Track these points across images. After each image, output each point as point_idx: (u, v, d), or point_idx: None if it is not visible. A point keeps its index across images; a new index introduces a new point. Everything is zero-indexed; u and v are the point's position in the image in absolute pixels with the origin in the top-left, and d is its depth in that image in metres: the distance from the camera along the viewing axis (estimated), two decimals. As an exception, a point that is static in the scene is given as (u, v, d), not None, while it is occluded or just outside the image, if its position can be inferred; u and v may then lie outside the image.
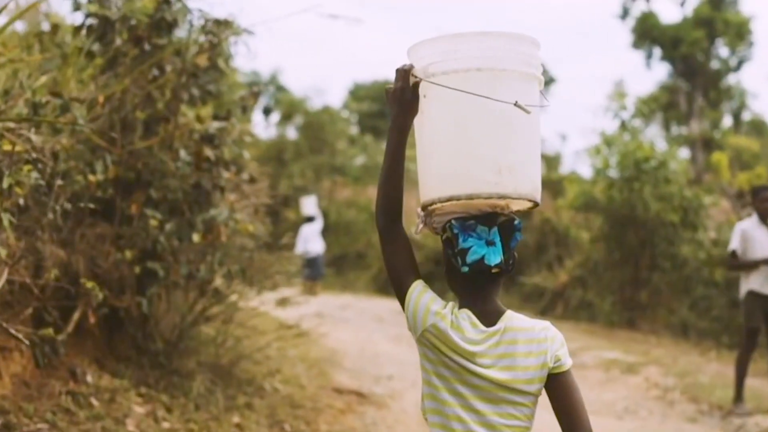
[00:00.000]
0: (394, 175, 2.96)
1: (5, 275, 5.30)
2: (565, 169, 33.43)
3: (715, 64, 39.81)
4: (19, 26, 11.78)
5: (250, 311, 9.25)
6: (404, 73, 2.95)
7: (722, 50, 39.81)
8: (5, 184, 4.92)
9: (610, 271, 17.89)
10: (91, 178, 6.61)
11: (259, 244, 8.82)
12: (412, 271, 2.98)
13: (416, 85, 2.94)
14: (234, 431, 7.15)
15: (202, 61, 7.36)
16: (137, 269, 7.13)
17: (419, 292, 2.93)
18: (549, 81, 47.85)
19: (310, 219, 21.47)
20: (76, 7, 7.32)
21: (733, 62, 39.93)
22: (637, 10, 39.89)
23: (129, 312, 7.29)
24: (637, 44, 39.66)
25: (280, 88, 44.80)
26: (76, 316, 6.57)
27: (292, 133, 34.78)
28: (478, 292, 2.95)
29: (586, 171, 39.31)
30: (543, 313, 18.33)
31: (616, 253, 17.65)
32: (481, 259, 2.87)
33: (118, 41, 7.17)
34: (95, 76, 7.18)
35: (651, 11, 39.57)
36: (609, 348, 14.03)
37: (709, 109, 40.36)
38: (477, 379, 2.86)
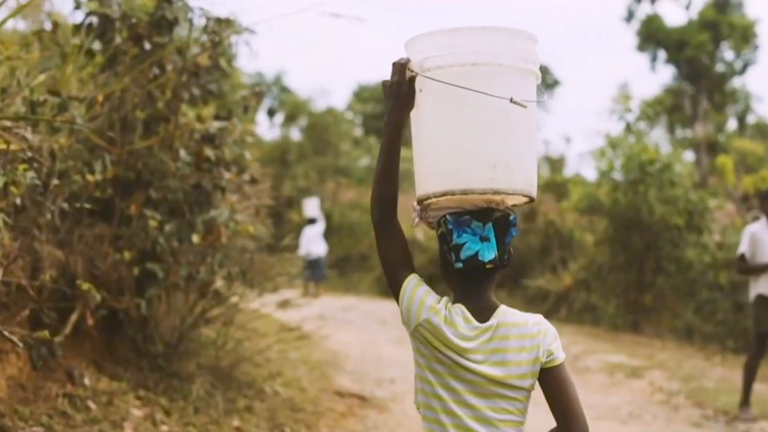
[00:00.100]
0: (389, 170, 2.95)
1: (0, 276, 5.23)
2: (569, 171, 33.37)
3: (720, 67, 39.78)
4: (22, 26, 11.79)
5: (251, 313, 9.18)
6: (400, 68, 2.94)
7: (727, 53, 39.80)
8: (0, 184, 4.85)
9: (614, 274, 17.82)
10: (90, 178, 6.54)
11: (261, 246, 8.74)
12: (407, 265, 2.98)
13: (412, 79, 2.93)
14: (233, 435, 7.09)
15: (203, 60, 7.30)
16: (136, 270, 7.05)
17: (414, 285, 2.93)
18: (553, 83, 48.08)
19: (312, 221, 21.42)
20: (77, 5, 7.26)
21: (738, 65, 39.90)
22: (642, 12, 39.85)
23: (128, 314, 7.22)
24: (641, 47, 39.64)
25: (285, 89, 44.73)
26: (73, 317, 6.50)
27: (296, 134, 34.74)
28: (472, 287, 2.94)
29: (590, 173, 39.26)
30: (546, 316, 18.01)
31: (621, 256, 17.58)
32: (475, 255, 2.86)
33: (118, 39, 7.09)
34: (95, 74, 7.10)
35: (656, 14, 39.53)
36: (613, 352, 13.95)
37: (713, 112, 40.34)
38: (469, 375, 2.86)
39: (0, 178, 4.83)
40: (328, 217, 26.75)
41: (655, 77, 64.96)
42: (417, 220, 3.07)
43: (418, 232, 21.88)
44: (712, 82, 39.31)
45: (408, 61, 2.94)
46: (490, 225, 2.89)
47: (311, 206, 21.89)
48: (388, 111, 2.97)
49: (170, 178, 7.27)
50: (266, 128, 43.40)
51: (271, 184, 10.29)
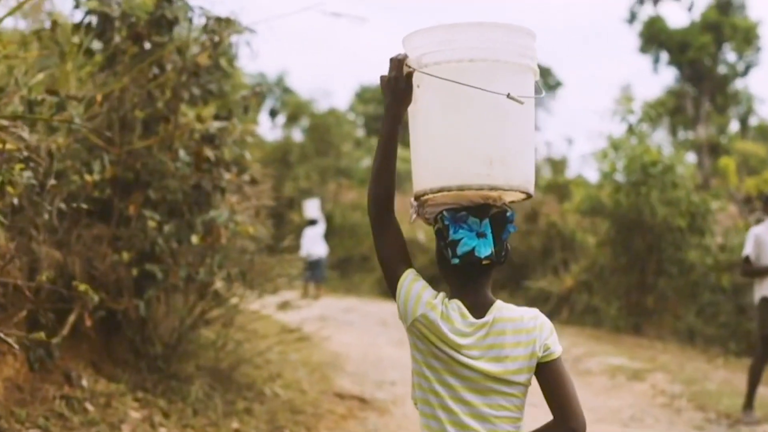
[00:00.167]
0: (386, 165, 2.96)
1: (-4, 277, 5.19)
2: (571, 172, 33.35)
3: (722, 69, 39.81)
4: (23, 26, 11.74)
5: (252, 314, 9.13)
6: (398, 63, 2.94)
7: (730, 55, 39.85)
8: (-4, 183, 4.81)
9: (616, 276, 17.77)
10: (88, 178, 6.49)
11: (261, 247, 8.69)
12: (404, 260, 2.97)
13: (410, 75, 2.93)
14: (233, 437, 7.04)
15: (203, 59, 7.25)
16: (135, 271, 7.02)
17: (411, 280, 2.92)
18: (555, 85, 48.10)
19: (312, 222, 21.40)
20: (77, 4, 7.22)
21: (740, 67, 39.94)
22: (645, 14, 39.84)
23: (127, 315, 7.17)
24: (644, 48, 39.65)
25: (287, 90, 44.73)
26: (71, 318, 6.45)
27: (297, 135, 34.71)
28: (469, 283, 2.93)
29: (592, 175, 39.23)
30: (548, 317, 18.01)
31: (623, 258, 17.52)
32: (472, 251, 2.86)
33: (117, 39, 7.04)
34: (94, 74, 7.06)
35: (658, 15, 39.51)
36: (615, 354, 13.90)
37: (716, 114, 40.35)
38: (466, 371, 2.85)
39: (-4, 177, 4.79)
40: (330, 219, 26.72)
41: (657, 79, 65.04)
42: (414, 216, 3.07)
43: (420, 233, 21.87)
44: (715, 83, 39.32)
45: (406, 56, 2.94)
46: (486, 221, 2.88)
47: (312, 207, 21.88)
48: (385, 106, 2.96)
49: (169, 179, 7.23)
50: (268, 129, 43.43)
51: (273, 184, 10.26)
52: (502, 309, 2.92)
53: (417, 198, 3.00)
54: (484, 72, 2.83)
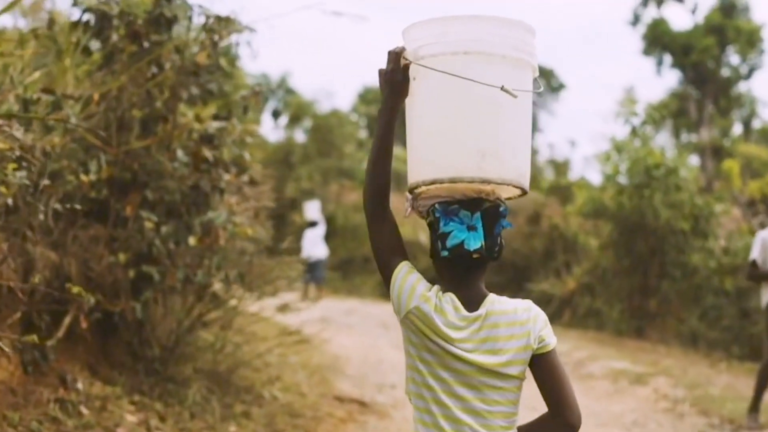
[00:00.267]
0: (382, 158, 2.97)
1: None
2: (574, 175, 33.33)
3: (725, 72, 39.70)
4: (24, 24, 11.69)
5: (251, 316, 9.06)
6: (395, 56, 2.95)
7: (733, 58, 39.70)
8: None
9: (618, 278, 17.72)
10: (84, 178, 6.42)
11: (260, 249, 8.61)
12: (399, 253, 2.98)
13: (407, 67, 2.94)
14: (230, 440, 6.97)
15: (202, 58, 7.17)
16: (132, 273, 6.94)
17: (405, 272, 2.93)
18: (558, 87, 48.06)
19: (313, 224, 21.36)
20: (75, 2, 7.14)
21: (743, 70, 39.80)
22: (648, 16, 39.77)
23: (124, 317, 7.10)
24: (647, 51, 39.54)
25: (290, 91, 44.68)
26: (67, 320, 6.37)
27: (300, 136, 34.69)
28: (462, 277, 2.94)
29: (595, 177, 39.19)
30: (550, 320, 17.87)
31: (625, 261, 17.47)
32: (461, 244, 2.86)
33: (115, 37, 6.96)
34: (91, 72, 6.98)
35: (662, 18, 39.43)
36: (617, 357, 13.83)
37: (719, 116, 40.26)
38: (459, 364, 2.85)
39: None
40: (332, 220, 26.69)
41: (660, 81, 64.80)
42: (409, 210, 3.08)
43: (421, 235, 21.81)
44: (718, 86, 39.23)
45: (403, 49, 2.95)
46: (478, 215, 2.88)
47: (312, 209, 21.84)
48: (382, 99, 2.98)
49: (167, 179, 7.15)
50: (270, 129, 43.41)
51: (275, 185, 10.20)
52: (495, 302, 2.92)
53: (411, 191, 3.00)
54: (479, 64, 2.82)
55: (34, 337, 4.98)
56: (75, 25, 7.01)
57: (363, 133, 40.66)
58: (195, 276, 7.40)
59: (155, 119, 7.20)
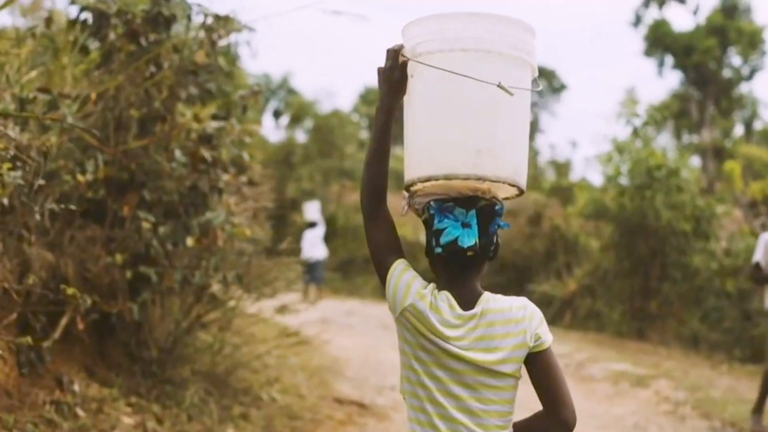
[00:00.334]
0: (379, 157, 2.97)
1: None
2: (575, 176, 33.29)
3: (727, 73, 39.63)
4: (23, 24, 11.65)
5: (250, 318, 9.01)
6: (393, 53, 2.95)
7: (735, 59, 39.64)
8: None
9: (619, 280, 17.67)
10: (81, 178, 6.36)
11: (259, 249, 8.56)
12: (395, 251, 2.99)
13: (405, 65, 2.94)
14: (228, 443, 6.91)
15: (201, 58, 7.11)
16: (129, 274, 6.88)
17: (401, 270, 2.93)
18: (560, 87, 48.01)
19: (312, 224, 21.32)
20: (72, 0, 7.09)
21: (745, 71, 39.74)
22: (650, 17, 39.72)
23: (121, 318, 7.04)
24: (649, 52, 39.49)
25: (291, 91, 44.62)
26: (63, 321, 6.32)
27: (301, 136, 34.64)
28: (456, 274, 2.93)
29: (596, 178, 39.13)
30: (551, 322, 18.01)
31: (626, 262, 17.42)
32: (455, 241, 2.85)
33: (113, 36, 6.90)
34: (89, 71, 6.93)
35: (663, 19, 39.38)
36: (618, 360, 13.77)
37: (720, 117, 40.20)
38: (454, 362, 2.84)
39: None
40: (333, 220, 26.66)
41: (662, 82, 64.66)
42: (406, 208, 3.08)
43: (422, 235, 21.77)
44: (719, 87, 39.17)
45: (401, 47, 2.95)
46: (473, 212, 2.87)
47: (312, 210, 21.81)
48: (380, 97, 2.99)
49: (165, 179, 7.10)
50: (272, 130, 43.37)
51: (275, 186, 10.15)
52: (489, 300, 2.91)
53: (407, 189, 3.00)
54: (477, 62, 2.81)
55: (29, 339, 4.94)
56: (72, 23, 6.96)
57: (364, 134, 40.59)
58: (193, 277, 7.35)
59: (153, 119, 7.14)
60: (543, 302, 18.96)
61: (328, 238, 22.15)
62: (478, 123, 2.83)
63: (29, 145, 5.40)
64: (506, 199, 3.02)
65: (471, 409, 2.84)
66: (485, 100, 2.81)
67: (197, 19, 7.41)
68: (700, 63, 37.82)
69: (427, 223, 2.94)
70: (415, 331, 2.87)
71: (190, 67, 7.18)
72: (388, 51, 2.95)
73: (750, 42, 38.13)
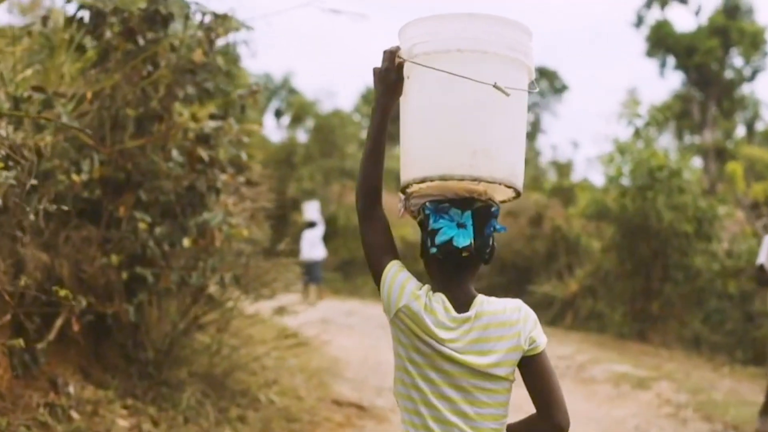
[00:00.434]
0: (375, 157, 2.97)
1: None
2: (576, 176, 33.25)
3: (729, 74, 39.57)
4: (19, 21, 11.59)
5: (248, 319, 8.95)
6: (390, 55, 2.95)
7: (737, 60, 39.58)
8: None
9: (621, 281, 17.60)
10: (76, 177, 6.29)
11: (257, 250, 8.50)
12: (390, 252, 2.97)
13: (401, 66, 2.94)
14: (225, 446, 6.85)
15: (198, 56, 7.05)
16: (125, 275, 6.82)
17: (395, 271, 2.92)
18: (561, 88, 47.95)
19: (311, 224, 21.28)
20: (69, -2, 7.03)
21: (747, 72, 39.68)
22: (652, 18, 39.67)
23: (117, 319, 6.98)
24: (651, 52, 39.44)
25: (292, 91, 44.56)
26: (58, 323, 6.26)
27: (302, 136, 34.60)
28: (451, 276, 2.92)
29: (598, 179, 39.08)
30: (552, 323, 18.14)
31: (628, 263, 17.35)
32: (450, 241, 2.84)
33: (109, 34, 6.84)
34: (85, 70, 6.87)
35: (666, 19, 39.32)
36: (619, 361, 13.70)
37: (722, 118, 40.14)
38: (448, 365, 2.83)
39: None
40: (334, 220, 26.63)
41: (663, 83, 64.63)
42: (402, 210, 3.07)
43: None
44: (721, 88, 39.11)
45: (398, 48, 2.95)
46: (468, 213, 2.87)
47: (311, 209, 21.77)
48: (375, 98, 2.98)
49: (163, 179, 7.04)
50: (273, 129, 43.33)
51: (276, 185, 10.10)
52: (484, 303, 2.90)
53: (403, 191, 3.00)
54: (473, 62, 2.80)
55: (21, 341, 4.87)
56: (69, 21, 6.90)
57: (365, 134, 40.56)
58: (190, 278, 7.29)
59: (150, 118, 7.08)
60: (544, 303, 18.93)
61: (328, 238, 22.10)
62: (474, 124, 2.82)
63: (23, 144, 5.34)
64: (503, 202, 3.01)
65: (465, 412, 2.83)
66: (481, 101, 2.80)
67: (195, 18, 7.36)
68: (702, 64, 37.77)
69: (423, 224, 2.92)
70: (410, 333, 2.86)
71: (188, 66, 7.13)
72: (385, 52, 2.96)
73: (752, 43, 38.08)
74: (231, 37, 7.64)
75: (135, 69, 6.89)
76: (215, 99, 7.74)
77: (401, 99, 2.99)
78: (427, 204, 2.91)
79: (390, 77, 2.95)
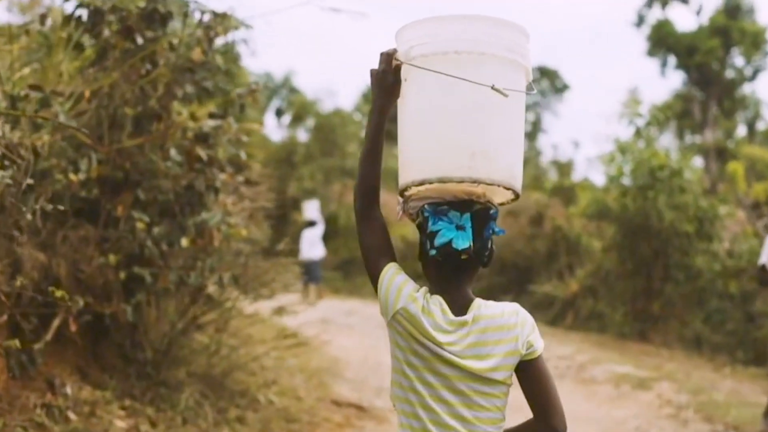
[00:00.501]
0: (372, 157, 2.96)
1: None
2: (577, 176, 33.22)
3: (730, 74, 39.57)
4: (17, 20, 11.56)
5: (247, 319, 8.91)
6: (387, 57, 2.95)
7: (737, 59, 39.58)
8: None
9: (621, 281, 17.57)
10: (73, 177, 6.26)
11: (256, 250, 8.47)
12: (387, 254, 2.96)
13: (398, 68, 2.93)
14: (223, 447, 6.81)
15: (197, 55, 7.01)
16: (123, 274, 6.78)
17: (392, 273, 2.91)
18: (562, 88, 47.92)
19: (311, 224, 21.26)
20: (67, -4, 6.99)
21: (748, 72, 39.68)
22: (653, 17, 39.65)
23: (115, 319, 6.94)
24: (651, 52, 39.42)
25: (293, 90, 44.53)
26: (56, 323, 6.22)
27: (302, 135, 34.57)
28: (449, 278, 2.92)
29: (599, 178, 39.03)
30: (552, 322, 18.13)
31: (629, 263, 17.32)
32: (449, 243, 2.83)
33: (107, 33, 6.80)
34: (83, 69, 6.83)
35: (666, 19, 39.30)
36: (620, 361, 13.67)
37: (723, 118, 40.12)
38: (446, 368, 2.83)
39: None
40: (334, 219, 26.61)
41: (664, 82, 64.65)
42: (400, 213, 3.07)
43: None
44: (722, 88, 39.10)
45: (395, 50, 2.94)
46: (467, 215, 2.86)
47: (311, 209, 21.76)
48: (373, 100, 2.98)
49: (161, 179, 7.01)
50: (273, 128, 43.30)
51: (277, 185, 10.07)
52: (481, 307, 2.89)
53: (402, 194, 2.99)
54: (471, 64, 2.79)
55: (17, 342, 4.84)
56: (67, 20, 6.86)
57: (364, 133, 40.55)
58: (188, 278, 7.26)
59: (148, 117, 7.04)
60: (544, 303, 18.92)
61: (329, 238, 22.07)
62: (473, 125, 2.81)
63: (20, 143, 5.31)
64: (502, 204, 3.00)
65: (463, 416, 2.82)
66: (480, 103, 2.79)
67: (194, 16, 7.32)
68: (703, 63, 37.76)
69: (421, 227, 2.91)
70: (408, 335, 2.84)
71: (187, 64, 7.10)
72: (382, 54, 2.96)
73: (753, 42, 38.07)
74: (230, 35, 7.58)
75: (133, 68, 6.85)
76: (214, 98, 7.70)
77: (399, 101, 2.98)
78: (426, 206, 2.90)
79: (387, 80, 2.94)
